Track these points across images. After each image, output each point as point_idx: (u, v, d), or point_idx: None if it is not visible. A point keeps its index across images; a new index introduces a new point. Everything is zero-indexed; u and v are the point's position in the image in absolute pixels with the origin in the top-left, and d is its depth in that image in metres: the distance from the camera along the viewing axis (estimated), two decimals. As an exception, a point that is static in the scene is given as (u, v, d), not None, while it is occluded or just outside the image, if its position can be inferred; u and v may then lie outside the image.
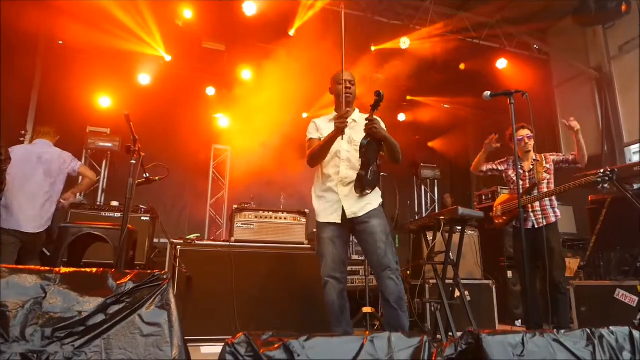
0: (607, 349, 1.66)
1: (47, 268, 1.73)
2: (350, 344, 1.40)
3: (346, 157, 2.86)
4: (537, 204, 3.94)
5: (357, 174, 2.78)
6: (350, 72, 3.02)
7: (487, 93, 3.04)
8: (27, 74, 6.61)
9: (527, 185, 4.00)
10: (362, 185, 2.77)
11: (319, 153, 2.86)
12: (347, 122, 2.70)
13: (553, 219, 3.92)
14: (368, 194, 2.83)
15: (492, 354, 1.55)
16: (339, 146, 2.86)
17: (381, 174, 2.94)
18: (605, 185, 3.70)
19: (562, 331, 1.69)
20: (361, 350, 1.38)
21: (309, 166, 2.98)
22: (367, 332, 1.44)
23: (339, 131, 2.68)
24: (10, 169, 3.63)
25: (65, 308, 1.62)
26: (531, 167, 4.04)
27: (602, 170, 3.68)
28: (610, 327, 1.74)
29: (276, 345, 1.32)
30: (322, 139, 2.90)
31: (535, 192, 3.94)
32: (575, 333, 1.69)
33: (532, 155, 4.05)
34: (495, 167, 4.21)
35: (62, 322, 1.58)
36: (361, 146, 2.73)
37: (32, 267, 1.71)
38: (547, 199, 3.93)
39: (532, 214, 3.94)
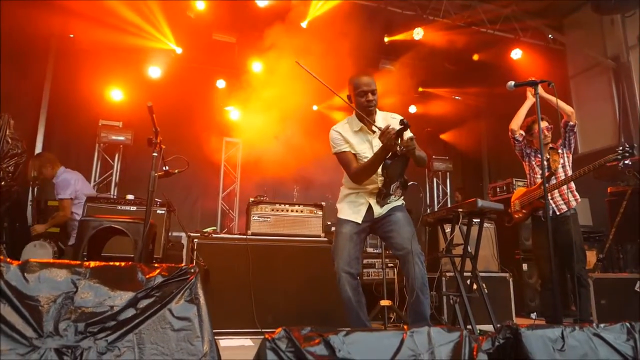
0: (648, 343, 1.62)
1: (77, 262, 1.71)
2: (390, 338, 1.37)
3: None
4: (555, 191, 3.90)
5: (379, 189, 2.78)
6: (370, 76, 2.83)
7: (511, 83, 2.96)
8: (39, 69, 6.60)
9: (546, 175, 3.96)
10: (382, 199, 2.78)
11: (367, 174, 2.76)
12: (393, 133, 2.51)
13: (573, 203, 3.88)
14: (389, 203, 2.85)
15: (531, 349, 1.52)
16: (369, 155, 2.80)
17: (410, 183, 2.84)
18: (627, 162, 3.64)
19: (602, 325, 1.65)
20: (402, 346, 1.35)
21: (355, 183, 2.86)
22: (406, 327, 1.41)
23: (389, 148, 2.54)
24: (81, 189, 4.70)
25: (97, 302, 1.61)
26: (548, 156, 3.98)
27: (620, 147, 3.62)
28: (651, 321, 1.70)
29: (316, 341, 1.29)
30: (354, 152, 2.83)
31: (554, 181, 3.90)
32: (615, 327, 1.66)
33: (550, 145, 4.01)
34: (526, 142, 4.14)
35: (95, 317, 1.56)
36: (384, 166, 2.66)
37: (62, 261, 1.70)
38: (565, 186, 3.89)
39: (551, 202, 3.89)
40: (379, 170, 2.75)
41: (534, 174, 4.10)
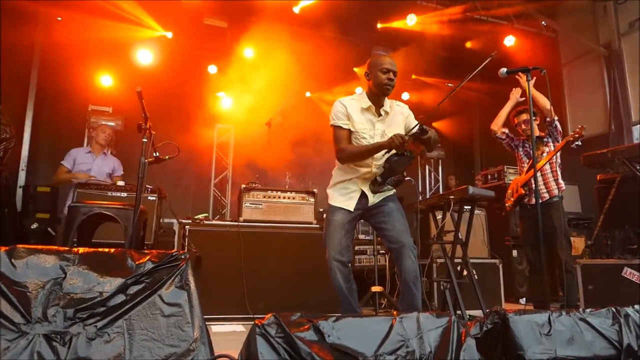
0: (632, 327, 1.65)
1: (66, 248, 1.69)
2: (379, 324, 1.38)
3: (378, 155, 2.74)
4: (540, 179, 3.98)
5: (375, 178, 2.77)
6: (393, 59, 2.80)
7: (503, 70, 2.95)
8: (26, 52, 6.48)
9: (529, 164, 4.09)
10: (376, 187, 2.79)
11: (358, 158, 2.76)
12: (404, 142, 2.53)
13: (555, 192, 3.99)
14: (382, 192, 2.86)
15: (519, 333, 1.54)
16: (368, 137, 2.78)
17: (406, 178, 2.87)
18: (578, 143, 3.83)
19: (588, 310, 1.68)
20: (391, 331, 1.36)
21: (339, 161, 2.82)
22: (396, 313, 1.42)
23: (392, 148, 2.56)
24: None
25: (86, 289, 1.60)
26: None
27: (575, 130, 3.83)
28: (636, 306, 1.73)
29: (306, 326, 1.30)
30: (352, 130, 2.77)
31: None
32: (601, 312, 1.69)
33: (536, 134, 4.08)
34: (511, 136, 4.28)
35: (84, 303, 1.56)
36: (388, 160, 2.65)
37: (50, 247, 1.68)
38: (550, 172, 4.02)
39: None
40: (381, 161, 2.75)
41: (521, 163, 4.24)
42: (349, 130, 2.78)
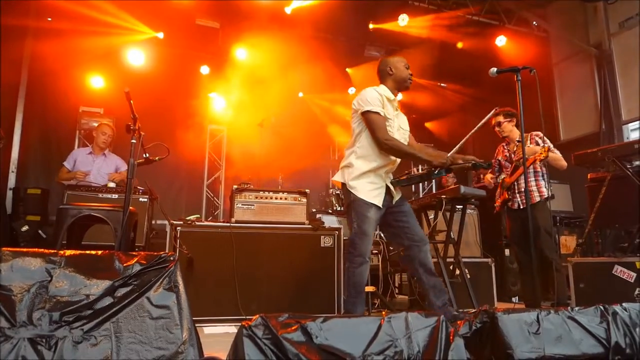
0: (620, 325, 1.66)
1: (52, 250, 1.67)
2: (367, 324, 1.38)
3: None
4: (522, 184, 4.03)
5: (407, 178, 2.95)
6: None
7: (494, 70, 2.97)
8: (16, 53, 6.41)
9: (511, 167, 4.15)
10: (396, 184, 2.92)
11: (401, 156, 2.89)
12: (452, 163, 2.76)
13: (537, 199, 4.04)
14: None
15: (507, 332, 1.54)
16: (392, 127, 2.86)
17: None
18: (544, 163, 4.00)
19: (576, 308, 1.68)
20: (379, 331, 1.36)
21: (381, 149, 2.79)
22: (384, 313, 1.42)
23: (442, 167, 2.72)
24: None
25: (72, 291, 1.58)
26: (514, 149, 4.14)
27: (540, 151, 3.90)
28: (624, 304, 1.73)
29: (294, 327, 1.29)
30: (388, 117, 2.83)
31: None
32: (589, 310, 1.69)
33: (517, 137, 4.12)
34: (497, 159, 4.38)
35: (70, 306, 1.54)
36: (436, 173, 2.78)
37: (36, 249, 1.66)
38: (533, 179, 4.07)
39: (517, 195, 4.08)
40: (404, 140, 2.92)
41: (505, 168, 4.30)
42: (385, 117, 2.80)
